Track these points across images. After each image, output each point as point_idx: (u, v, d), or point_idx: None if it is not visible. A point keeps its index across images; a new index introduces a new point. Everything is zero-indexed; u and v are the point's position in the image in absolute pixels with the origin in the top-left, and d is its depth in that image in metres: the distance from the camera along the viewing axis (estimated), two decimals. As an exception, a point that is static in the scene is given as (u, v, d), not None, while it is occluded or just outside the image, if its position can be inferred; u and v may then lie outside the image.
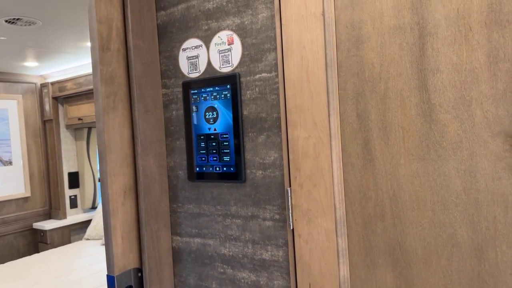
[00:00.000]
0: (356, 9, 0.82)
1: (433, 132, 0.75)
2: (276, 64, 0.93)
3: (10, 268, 2.95)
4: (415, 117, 0.76)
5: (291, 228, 0.91)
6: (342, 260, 0.86)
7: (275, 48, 0.93)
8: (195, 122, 1.05)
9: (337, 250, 0.86)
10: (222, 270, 1.04)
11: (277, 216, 0.94)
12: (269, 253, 0.96)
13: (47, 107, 3.90)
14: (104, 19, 1.02)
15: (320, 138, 0.86)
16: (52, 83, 3.84)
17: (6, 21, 2.09)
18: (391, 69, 0.78)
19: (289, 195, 0.90)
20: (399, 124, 0.78)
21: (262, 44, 0.94)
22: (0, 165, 3.62)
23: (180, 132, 1.09)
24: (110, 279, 1.01)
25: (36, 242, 3.81)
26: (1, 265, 3.06)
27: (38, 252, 3.63)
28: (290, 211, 0.90)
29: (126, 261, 1.05)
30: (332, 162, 0.85)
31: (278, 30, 0.91)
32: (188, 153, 1.07)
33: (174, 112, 1.10)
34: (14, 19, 2.07)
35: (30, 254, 3.55)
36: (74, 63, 3.41)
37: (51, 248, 3.58)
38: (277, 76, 0.93)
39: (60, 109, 3.95)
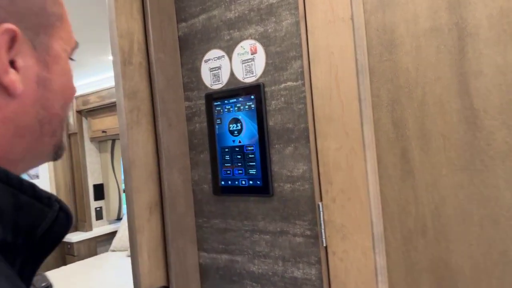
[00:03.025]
0: (387, 11, 0.77)
1: (478, 140, 0.69)
2: (302, 72, 0.88)
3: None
4: (457, 124, 0.71)
5: (324, 245, 0.86)
6: (380, 278, 0.80)
7: (301, 56, 0.89)
8: (219, 134, 1.02)
9: (375, 268, 0.80)
10: (251, 288, 0.99)
11: (308, 232, 0.89)
12: (301, 271, 0.91)
13: (71, 120, 3.97)
14: (125, 33, 1.00)
15: (353, 149, 0.81)
16: (76, 97, 3.91)
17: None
18: (428, 74, 0.73)
19: (321, 210, 0.86)
20: (440, 132, 0.72)
21: (287, 52, 0.91)
22: (27, 179, 3.69)
23: (204, 145, 1.06)
24: (137, 299, 0.99)
25: (64, 254, 3.86)
26: (30, 278, 3.09)
27: (65, 264, 3.67)
28: (323, 227, 0.85)
29: (153, 279, 1.02)
30: (367, 174, 0.80)
31: (303, 36, 0.87)
32: (212, 166, 1.04)
33: (197, 125, 1.07)
34: (38, 36, 2.11)
35: (58, 266, 3.59)
36: (96, 77, 3.46)
37: (78, 260, 3.62)
38: (303, 84, 0.89)
39: (84, 122, 4.01)
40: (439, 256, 0.74)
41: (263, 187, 0.95)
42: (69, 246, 3.80)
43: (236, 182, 0.99)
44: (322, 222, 0.86)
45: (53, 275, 3.14)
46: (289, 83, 0.91)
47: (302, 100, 0.89)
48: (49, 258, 3.83)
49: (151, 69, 1.04)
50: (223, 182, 1.02)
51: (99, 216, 4.05)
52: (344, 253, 0.83)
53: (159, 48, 1.05)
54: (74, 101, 3.91)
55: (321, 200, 0.86)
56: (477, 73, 0.68)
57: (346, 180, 0.82)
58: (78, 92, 3.91)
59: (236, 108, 0.99)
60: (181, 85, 1.10)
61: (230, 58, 1.00)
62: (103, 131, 3.80)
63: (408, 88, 0.75)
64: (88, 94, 3.77)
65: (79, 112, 3.94)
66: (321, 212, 0.86)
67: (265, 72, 0.94)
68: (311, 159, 0.88)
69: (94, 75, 3.37)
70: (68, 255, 3.80)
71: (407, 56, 0.75)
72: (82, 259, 3.64)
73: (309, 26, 0.86)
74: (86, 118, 4.02)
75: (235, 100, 0.99)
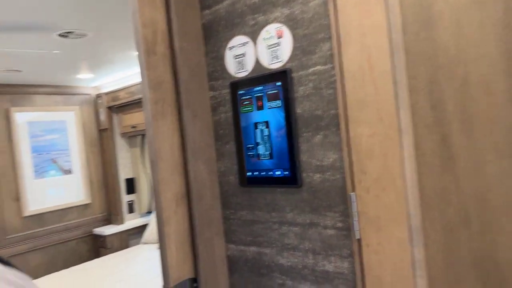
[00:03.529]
0: (424, -16, 0.71)
1: (530, 122, 0.62)
2: (332, 55, 0.84)
3: (73, 274, 3.08)
4: (504, 106, 0.64)
5: (357, 237, 0.81)
6: (418, 273, 0.75)
7: (330, 38, 0.84)
8: (244, 124, 0.99)
9: (412, 262, 0.75)
10: (281, 281, 0.96)
11: (339, 224, 0.85)
12: (333, 264, 0.87)
13: (102, 117, 4.06)
14: (149, 23, 0.99)
15: (388, 135, 0.76)
16: (106, 93, 3.99)
17: (59, 35, 2.17)
18: (471, 51, 0.67)
19: (354, 200, 0.81)
20: (484, 115, 0.66)
21: (315, 34, 0.86)
22: (61, 174, 3.82)
23: (229, 135, 1.03)
24: (166, 291, 0.98)
25: (97, 247, 3.97)
26: (65, 270, 3.21)
27: (98, 256, 3.77)
28: (356, 219, 0.81)
29: (181, 271, 1.01)
30: (403, 162, 0.75)
31: (332, 17, 0.82)
32: (238, 157, 1.01)
33: (222, 115, 1.05)
34: (66, 32, 2.14)
35: (91, 259, 3.70)
36: (125, 73, 3.51)
37: (110, 252, 3.71)
38: (333, 68, 0.84)
39: (115, 118, 4.09)
40: (484, 249, 0.68)
41: (291, 178, 0.91)
42: (102, 239, 3.90)
43: (263, 173, 0.96)
44: (355, 213, 0.81)
45: (87, 267, 3.24)
46: (318, 67, 0.86)
47: (332, 84, 0.85)
48: (83, 251, 3.95)
49: (175, 59, 1.02)
50: (249, 173, 0.99)
51: (130, 209, 4.14)
52: (379, 246, 0.78)
53: (183, 37, 1.03)
54: (104, 97, 4.00)
55: (353, 190, 0.81)
56: (528, 47, 0.62)
57: (380, 169, 0.77)
58: (108, 89, 3.99)
59: (262, 96, 0.95)
60: (206, 74, 1.07)
61: (255, 44, 0.96)
62: (133, 127, 3.86)
63: (448, 68, 0.69)
64: (117, 90, 3.84)
65: (110, 108, 4.02)
66: (354, 203, 0.81)
67: (292, 57, 0.90)
68: (342, 147, 0.83)
69: (123, 70, 3.42)
70: (101, 248, 3.91)
71: (447, 33, 0.69)
72: (115, 251, 3.73)
73: (339, 5, 0.81)
74: (117, 114, 4.10)
75: (261, 87, 0.95)
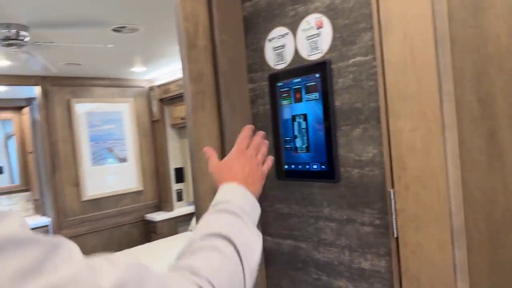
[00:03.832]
0: (474, -32, 0.66)
1: None
2: (373, 45, 0.80)
3: (126, 256, 3.26)
4: None
5: (395, 236, 0.78)
6: (460, 276, 0.71)
7: (371, 27, 0.80)
8: (282, 117, 0.98)
9: (454, 265, 0.71)
10: (316, 276, 0.95)
11: (377, 222, 0.82)
12: (369, 262, 0.84)
13: (154, 108, 4.24)
14: (190, 16, 1.01)
15: (431, 130, 0.72)
16: (158, 86, 4.15)
17: (113, 29, 2.28)
18: (527, 39, 0.61)
19: (392, 197, 0.78)
20: (540, 108, 0.60)
21: (356, 24, 0.83)
22: (117, 162, 4.05)
23: (267, 128, 1.03)
24: (203, 278, 1.00)
25: (148, 232, 4.18)
26: (118, 252, 3.42)
27: (149, 241, 3.97)
28: (394, 217, 0.78)
29: (218, 260, 1.03)
30: (446, 158, 0.71)
31: (374, 5, 0.79)
32: (276, 150, 1.00)
33: (261, 108, 1.05)
34: (119, 27, 2.25)
35: (143, 243, 3.91)
36: (176, 66, 3.63)
37: (160, 238, 3.89)
38: (374, 59, 0.81)
39: (166, 109, 4.25)
40: (536, 255, 0.62)
41: (328, 172, 0.90)
42: (152, 224, 4.10)
43: (300, 167, 0.95)
44: (393, 211, 0.78)
45: (137, 250, 3.42)
46: (358, 58, 0.84)
47: (373, 76, 0.81)
48: (136, 235, 4.17)
49: (215, 52, 1.03)
50: (286, 166, 0.98)
51: (179, 197, 4.30)
52: (418, 246, 0.75)
53: (224, 30, 1.04)
54: (157, 90, 4.16)
55: (392, 187, 0.78)
56: None
57: (421, 165, 0.74)
58: (160, 81, 4.15)
59: (300, 88, 0.94)
60: (245, 67, 1.08)
61: (295, 35, 0.95)
62: (182, 118, 3.99)
63: (498, 58, 0.64)
64: (168, 83, 3.98)
65: (161, 100, 4.18)
66: (393, 200, 0.78)
67: (331, 48, 0.88)
68: (382, 142, 0.80)
69: (173, 64, 3.53)
70: (152, 233, 4.11)
71: (498, 21, 0.64)
72: (164, 237, 3.90)
73: (380, -6, 0.77)
74: (168, 106, 4.26)
75: (299, 79, 0.94)
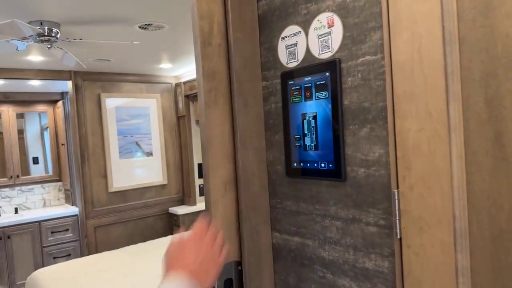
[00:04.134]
0: (484, -34, 0.64)
1: None
2: (382, 44, 0.80)
3: (148, 247, 3.36)
4: None
5: (399, 236, 0.78)
6: (462, 280, 0.70)
7: (381, 26, 0.80)
8: (293, 114, 0.99)
9: (456, 268, 0.70)
10: (321, 274, 0.96)
11: (382, 222, 0.82)
12: (373, 262, 0.84)
13: (180, 104, 4.32)
14: (206, 15, 1.03)
15: (436, 131, 0.71)
16: (184, 83, 4.23)
17: (139, 27, 2.35)
18: (536, 39, 0.59)
19: (397, 198, 0.77)
20: (548, 111, 0.59)
21: (366, 23, 0.83)
22: (143, 156, 4.16)
23: (278, 125, 1.04)
24: (211, 271, 1.03)
25: (171, 225, 4.28)
26: (142, 243, 3.52)
27: (172, 233, 4.06)
28: (398, 217, 0.77)
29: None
30: (451, 160, 0.70)
31: (384, 5, 0.78)
32: (285, 147, 1.01)
33: (273, 105, 1.06)
34: (145, 25, 2.31)
35: (166, 235, 4.00)
36: (200, 63, 3.68)
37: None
38: (383, 58, 0.80)
39: (191, 106, 4.33)
40: (540, 262, 0.61)
41: (335, 171, 0.90)
42: (175, 217, 4.19)
43: (308, 165, 0.96)
44: (397, 212, 0.78)
45: (160, 242, 3.51)
46: (367, 57, 0.83)
47: (381, 76, 0.81)
48: (159, 227, 4.28)
49: (229, 50, 1.05)
50: (295, 164, 0.99)
51: (202, 192, 4.37)
52: (421, 248, 0.74)
53: (238, 28, 1.06)
54: (183, 86, 4.24)
55: (397, 187, 0.78)
56: None
57: (426, 167, 0.73)
58: (186, 78, 4.22)
59: (310, 87, 0.94)
60: (259, 65, 1.09)
61: (307, 34, 0.95)
62: (207, 114, 4.04)
63: (507, 59, 0.62)
64: (194, 80, 4.04)
65: (187, 96, 4.25)
66: (397, 201, 0.78)
67: (341, 46, 0.88)
68: (389, 142, 0.79)
69: (199, 61, 3.60)
70: (175, 226, 4.20)
71: (508, 20, 0.62)
72: (187, 230, 3.97)
73: (390, -7, 0.77)
74: (193, 102, 4.33)
75: (309, 78, 0.94)
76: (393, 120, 0.78)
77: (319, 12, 0.92)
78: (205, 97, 1.03)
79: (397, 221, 0.77)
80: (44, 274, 2.94)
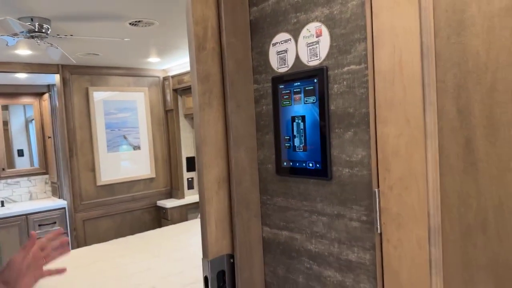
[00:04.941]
0: (458, -11, 0.71)
1: (555, 133, 0.62)
2: (366, 55, 0.87)
3: (137, 240, 3.41)
4: (531, 114, 0.64)
5: (379, 231, 0.85)
6: (434, 271, 0.78)
7: (365, 38, 0.86)
8: (283, 117, 1.05)
9: (430, 260, 0.78)
10: (308, 266, 1.03)
11: (364, 218, 0.89)
12: (356, 254, 0.92)
13: (168, 98, 4.33)
14: (200, 20, 1.08)
15: (414, 136, 0.78)
16: (172, 76, 4.24)
17: (129, 23, 2.37)
18: (501, 58, 0.67)
19: (377, 196, 0.85)
20: (509, 121, 0.66)
21: (351, 34, 0.89)
22: (131, 149, 4.18)
23: (269, 126, 1.10)
24: (205, 263, 1.09)
25: (159, 218, 4.33)
26: (131, 236, 3.56)
27: (160, 226, 4.11)
28: (378, 214, 0.85)
29: (219, 247, 1.12)
30: (427, 163, 0.77)
31: (368, 18, 0.85)
32: (276, 147, 1.08)
33: (264, 107, 1.12)
34: (136, 21, 2.33)
35: (154, 228, 4.05)
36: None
37: (171, 224, 4.02)
38: (366, 68, 0.87)
39: (180, 99, 4.35)
40: (500, 254, 0.69)
41: (322, 171, 0.97)
42: (164, 211, 4.23)
43: (297, 164, 1.03)
44: (378, 209, 0.85)
45: (149, 235, 3.55)
46: (352, 67, 0.90)
47: (364, 84, 0.88)
48: (147, 220, 4.32)
49: (222, 54, 1.10)
50: (285, 163, 1.06)
51: (190, 186, 4.42)
52: (399, 242, 0.82)
53: (231, 33, 1.11)
54: (171, 80, 4.25)
55: (378, 187, 0.85)
56: (559, 57, 0.61)
57: (404, 168, 0.80)
58: (174, 72, 4.24)
59: (299, 91, 1.01)
60: (251, 68, 1.15)
61: (296, 41, 1.01)
62: (195, 108, 4.08)
63: (476, 73, 0.70)
64: (182, 74, 4.06)
65: (175, 90, 4.27)
66: (377, 199, 0.85)
67: (329, 55, 0.94)
68: (370, 145, 0.86)
69: (187, 56, 3.62)
70: (163, 219, 4.24)
71: (478, 39, 0.69)
72: (174, 223, 4.03)
73: (374, 8, 0.83)
74: (181, 96, 4.35)
75: (299, 83, 1.00)
76: (374, 126, 0.85)
77: (308, 21, 0.98)
78: (200, 98, 1.08)
79: (378, 217, 0.85)
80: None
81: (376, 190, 0.85)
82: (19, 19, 2.05)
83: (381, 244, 0.85)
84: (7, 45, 2.26)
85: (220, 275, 1.11)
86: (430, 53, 0.76)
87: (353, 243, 0.92)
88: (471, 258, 0.73)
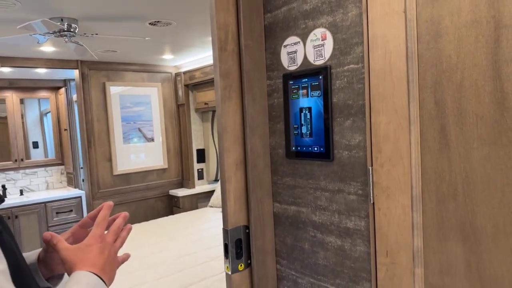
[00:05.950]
0: (435, 5, 0.89)
1: (505, 119, 0.79)
2: (363, 56, 1.04)
3: (152, 226, 3.62)
4: (489, 105, 0.82)
5: (372, 202, 1.03)
6: (416, 232, 0.96)
7: (362, 42, 1.04)
8: (292, 108, 1.24)
9: (412, 224, 0.96)
10: (313, 234, 1.22)
11: (360, 191, 1.08)
12: (353, 222, 1.10)
13: (180, 93, 4.53)
14: (223, 26, 1.26)
15: (400, 123, 0.96)
16: (184, 73, 4.43)
17: (149, 23, 2.55)
18: (467, 60, 0.84)
19: (371, 173, 1.03)
20: (473, 111, 0.84)
21: (351, 39, 1.07)
22: (145, 141, 4.39)
23: (280, 116, 1.29)
24: (225, 232, 1.29)
25: (171, 206, 4.54)
26: (146, 222, 3.78)
27: (172, 214, 4.33)
28: (371, 188, 1.03)
29: (237, 219, 1.31)
30: (410, 145, 0.95)
31: (365, 26, 1.02)
32: (286, 135, 1.26)
33: (275, 100, 1.30)
34: (155, 21, 2.52)
35: (166, 215, 4.26)
36: (201, 55, 3.89)
37: (182, 211, 4.24)
38: (363, 67, 1.05)
39: (191, 95, 4.54)
40: (466, 216, 0.87)
41: (325, 153, 1.15)
42: (175, 199, 4.44)
43: (304, 148, 1.21)
44: (371, 183, 1.03)
45: (163, 221, 3.76)
46: (351, 66, 1.08)
47: (361, 80, 1.06)
48: (160, 208, 4.53)
49: (241, 54, 1.29)
50: (293, 148, 1.24)
51: (200, 176, 4.62)
52: (388, 210, 1.00)
53: (248, 36, 1.29)
54: (183, 76, 4.44)
55: (371, 165, 1.03)
56: (509, 60, 0.78)
57: (392, 150, 0.98)
58: (186, 68, 4.43)
59: (307, 87, 1.19)
60: (265, 66, 1.33)
61: (304, 44, 1.19)
62: (205, 103, 4.27)
63: (449, 73, 0.87)
64: (194, 70, 4.25)
65: (187, 85, 4.46)
66: (371, 175, 1.03)
67: (332, 56, 1.12)
68: (366, 131, 1.05)
69: (199, 53, 3.80)
70: (175, 207, 4.46)
71: (450, 45, 0.87)
72: (186, 211, 4.24)
73: (370, 17, 1.01)
74: (192, 91, 4.54)
75: (306, 79, 1.19)
76: (369, 115, 1.03)
77: (315, 27, 1.16)
78: (221, 92, 1.27)
79: (371, 190, 1.03)
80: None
81: (370, 168, 1.03)
82: (50, 19, 2.25)
83: (373, 212, 1.04)
84: (38, 42, 2.46)
85: (238, 243, 1.30)
86: (414, 56, 0.94)
87: (351, 213, 1.11)
88: (445, 220, 0.91)
